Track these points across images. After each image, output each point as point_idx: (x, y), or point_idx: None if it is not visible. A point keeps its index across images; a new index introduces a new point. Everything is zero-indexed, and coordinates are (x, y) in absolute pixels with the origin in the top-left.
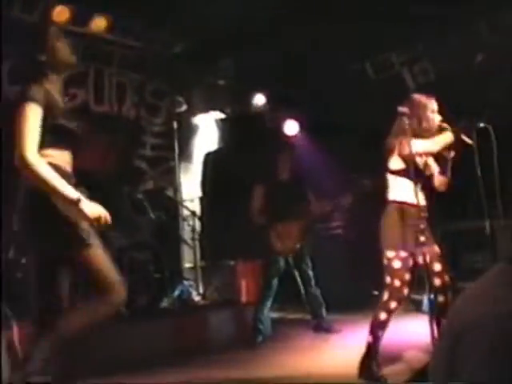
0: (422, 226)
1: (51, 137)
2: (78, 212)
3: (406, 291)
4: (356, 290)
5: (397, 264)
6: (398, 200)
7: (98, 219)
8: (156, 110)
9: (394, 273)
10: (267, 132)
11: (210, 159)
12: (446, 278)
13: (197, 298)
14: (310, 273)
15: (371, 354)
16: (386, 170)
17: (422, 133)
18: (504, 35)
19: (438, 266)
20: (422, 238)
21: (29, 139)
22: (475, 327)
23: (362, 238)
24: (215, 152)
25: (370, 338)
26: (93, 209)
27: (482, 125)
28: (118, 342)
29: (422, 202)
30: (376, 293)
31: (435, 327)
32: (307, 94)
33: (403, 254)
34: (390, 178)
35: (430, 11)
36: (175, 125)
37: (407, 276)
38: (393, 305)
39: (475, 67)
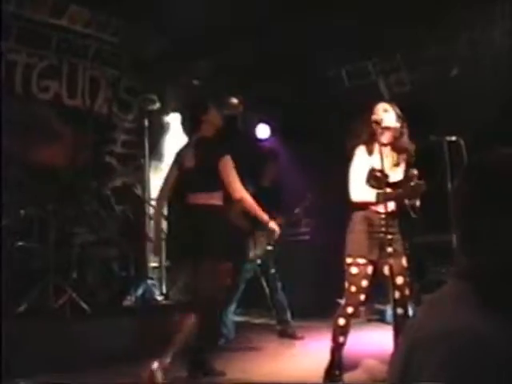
0: (389, 236)
1: None
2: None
3: (362, 297)
4: (321, 296)
5: (354, 270)
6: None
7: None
8: (128, 107)
9: (350, 278)
10: (239, 134)
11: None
12: (406, 291)
13: (160, 298)
14: (277, 278)
15: (334, 359)
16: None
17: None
18: (481, 50)
19: (400, 280)
20: (390, 249)
21: (237, 181)
22: (426, 343)
23: (330, 245)
24: None
25: (332, 344)
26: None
27: (453, 138)
28: (78, 339)
29: (386, 208)
30: (340, 301)
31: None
32: (282, 97)
33: (361, 260)
34: None
35: (410, 22)
36: (146, 122)
37: (364, 283)
38: (349, 310)
39: (450, 80)
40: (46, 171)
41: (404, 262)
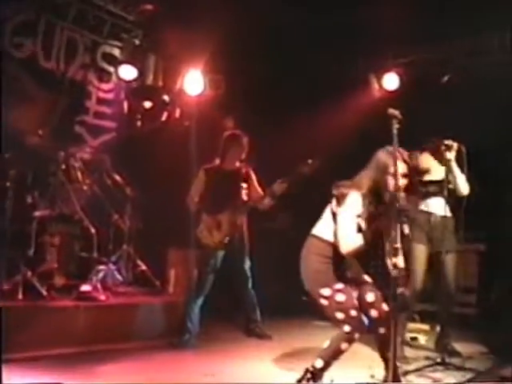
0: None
1: None
2: None
3: (364, 317)
4: (286, 293)
5: (340, 297)
6: (320, 236)
7: None
8: (105, 76)
9: (341, 306)
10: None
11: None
12: (383, 307)
13: (122, 284)
14: (248, 273)
15: (314, 379)
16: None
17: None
18: (474, 59)
19: (370, 297)
20: (349, 274)
21: None
22: None
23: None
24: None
25: (320, 363)
26: None
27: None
28: (33, 321)
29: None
30: (304, 298)
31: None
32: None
33: (339, 285)
34: (329, 216)
35: (405, 23)
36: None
37: (356, 301)
38: (357, 335)
39: (441, 86)
40: (10, 134)
41: (367, 278)
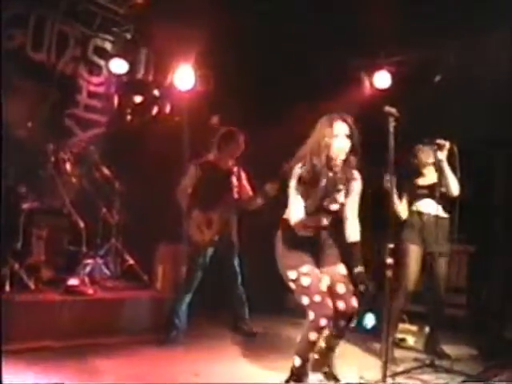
0: (321, 243)
1: None
2: None
3: (330, 302)
4: (274, 290)
5: (305, 281)
6: (285, 218)
7: None
8: (96, 69)
9: (306, 291)
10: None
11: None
12: (352, 301)
13: (109, 278)
14: (237, 269)
15: (299, 378)
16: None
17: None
18: (467, 59)
19: (341, 288)
20: (323, 257)
21: None
22: None
23: None
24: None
25: (298, 361)
26: None
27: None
28: (19, 314)
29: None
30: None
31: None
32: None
33: (306, 268)
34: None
35: (398, 23)
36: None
37: (323, 286)
38: (323, 322)
39: (433, 85)
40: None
41: (341, 268)
